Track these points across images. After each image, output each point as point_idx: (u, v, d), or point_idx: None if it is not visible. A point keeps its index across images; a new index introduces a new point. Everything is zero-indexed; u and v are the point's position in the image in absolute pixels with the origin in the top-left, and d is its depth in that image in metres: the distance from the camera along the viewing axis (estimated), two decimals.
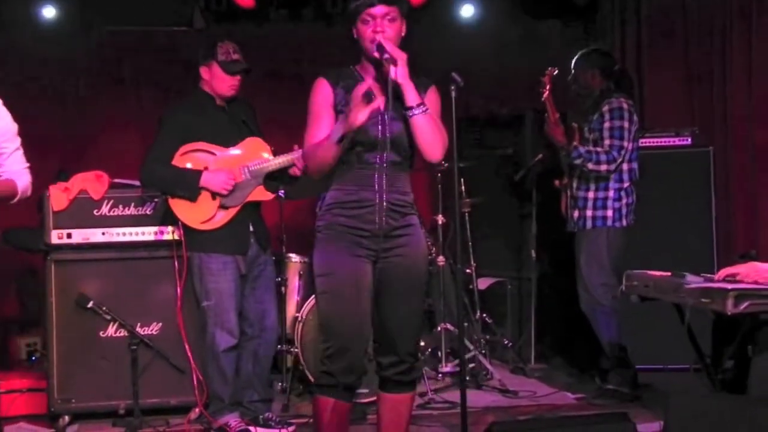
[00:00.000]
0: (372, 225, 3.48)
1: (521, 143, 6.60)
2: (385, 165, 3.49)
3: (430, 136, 3.47)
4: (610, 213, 5.23)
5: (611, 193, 5.24)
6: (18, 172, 3.90)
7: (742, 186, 6.01)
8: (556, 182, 5.52)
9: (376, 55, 3.42)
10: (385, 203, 3.49)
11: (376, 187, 3.49)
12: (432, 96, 3.60)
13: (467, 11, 6.92)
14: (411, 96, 3.43)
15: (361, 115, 3.31)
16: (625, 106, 5.24)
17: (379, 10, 3.44)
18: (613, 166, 5.18)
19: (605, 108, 5.23)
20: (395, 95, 3.43)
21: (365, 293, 3.49)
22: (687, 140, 5.87)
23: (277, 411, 5.01)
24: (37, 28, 6.37)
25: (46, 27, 6.40)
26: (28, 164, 3.95)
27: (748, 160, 5.96)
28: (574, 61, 5.48)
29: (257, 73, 6.72)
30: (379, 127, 3.48)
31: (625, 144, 5.19)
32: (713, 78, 6.24)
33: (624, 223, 5.26)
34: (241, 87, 4.73)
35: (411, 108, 3.43)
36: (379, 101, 3.37)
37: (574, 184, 5.35)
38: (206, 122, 4.67)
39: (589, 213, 5.26)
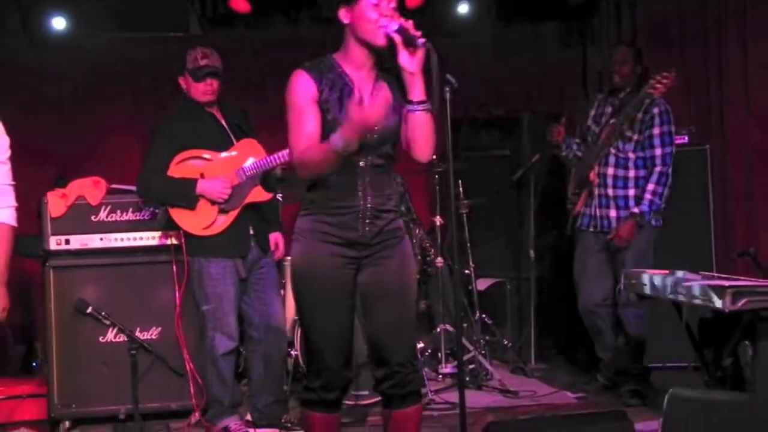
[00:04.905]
0: (355, 232, 3.26)
1: (518, 143, 6.59)
2: (369, 168, 3.25)
3: (426, 136, 3.23)
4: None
5: None
6: (1, 189, 3.75)
7: (740, 184, 6.02)
8: (592, 175, 5.30)
9: (394, 36, 3.10)
10: (369, 210, 3.27)
11: (359, 192, 3.26)
12: None
13: (463, 10, 6.92)
14: (419, 89, 3.17)
15: (373, 116, 2.99)
16: (669, 107, 5.20)
17: None
18: (671, 170, 5.13)
19: (656, 111, 5.14)
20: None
21: (345, 306, 3.31)
22: (684, 139, 5.85)
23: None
24: (34, 36, 6.38)
25: (43, 35, 6.41)
26: (13, 182, 3.81)
27: (745, 158, 5.97)
28: (618, 51, 5.38)
29: (255, 77, 6.78)
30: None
31: (674, 148, 5.17)
32: (709, 78, 6.26)
33: (661, 222, 5.23)
34: (219, 91, 4.67)
35: (415, 102, 3.18)
36: (387, 94, 3.08)
37: (609, 183, 5.25)
38: (198, 128, 4.65)
39: (635, 210, 5.15)
